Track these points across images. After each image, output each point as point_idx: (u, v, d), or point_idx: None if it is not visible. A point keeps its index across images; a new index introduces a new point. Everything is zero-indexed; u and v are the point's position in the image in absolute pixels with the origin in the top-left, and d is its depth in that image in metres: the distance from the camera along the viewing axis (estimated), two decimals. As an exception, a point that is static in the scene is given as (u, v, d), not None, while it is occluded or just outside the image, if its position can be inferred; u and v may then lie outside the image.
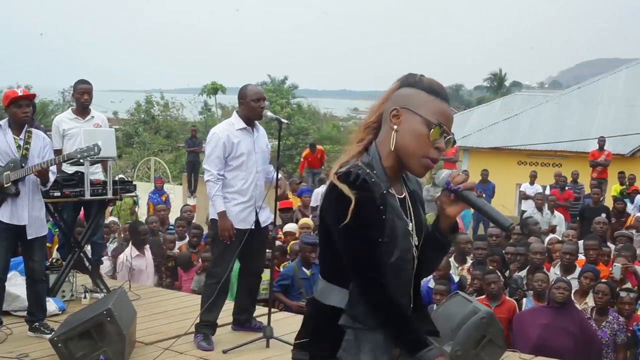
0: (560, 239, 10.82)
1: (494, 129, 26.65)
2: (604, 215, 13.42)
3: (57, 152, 7.51)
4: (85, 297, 7.87)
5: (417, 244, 2.69)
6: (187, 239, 10.96)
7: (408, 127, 2.59)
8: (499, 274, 8.40)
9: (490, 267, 8.60)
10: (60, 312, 7.32)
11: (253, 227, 6.41)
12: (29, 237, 6.44)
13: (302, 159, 20.87)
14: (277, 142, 7.08)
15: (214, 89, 40.56)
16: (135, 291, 8.13)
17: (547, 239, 10.49)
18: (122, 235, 11.15)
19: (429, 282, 8.16)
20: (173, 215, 14.30)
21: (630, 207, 14.90)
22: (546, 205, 14.32)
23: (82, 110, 8.23)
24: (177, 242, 10.92)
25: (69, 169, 7.91)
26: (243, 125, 6.41)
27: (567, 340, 7.01)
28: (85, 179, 7.46)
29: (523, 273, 8.98)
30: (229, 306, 6.84)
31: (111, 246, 10.58)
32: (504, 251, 9.63)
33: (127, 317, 6.10)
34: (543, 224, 13.36)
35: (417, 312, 2.74)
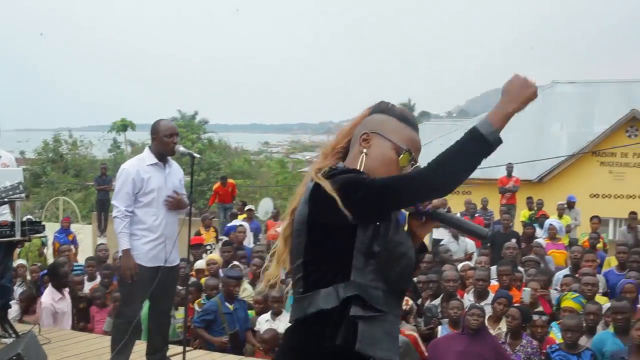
0: (472, 265, 10.96)
1: (405, 159, 26.92)
2: (513, 240, 13.66)
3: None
4: (-8, 343, 7.61)
5: None
6: (99, 279, 10.72)
7: (377, 152, 2.61)
8: (412, 302, 8.48)
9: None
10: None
11: (163, 265, 6.30)
12: None
13: (213, 193, 20.71)
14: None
15: (124, 126, 40.17)
16: (46, 334, 7.92)
17: (459, 266, 10.62)
18: (30, 277, 10.87)
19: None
20: (83, 255, 14.02)
21: (539, 232, 15.22)
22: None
23: (-12, 150, 8.01)
24: (87, 283, 10.67)
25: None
26: (154, 160, 6.33)
27: (483, 366, 7.07)
28: None
29: (437, 301, 9.05)
30: (141, 346, 6.70)
31: (19, 289, 10.28)
32: (415, 279, 9.68)
33: (37, 362, 5.92)
34: (459, 252, 13.51)
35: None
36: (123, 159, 31.07)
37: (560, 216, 16.54)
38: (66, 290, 9.65)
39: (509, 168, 19.34)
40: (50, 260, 13.70)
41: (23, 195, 6.77)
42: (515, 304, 8.25)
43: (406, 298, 8.25)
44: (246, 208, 17.91)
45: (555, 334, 8.01)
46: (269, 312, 8.52)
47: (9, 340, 7.52)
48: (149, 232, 6.26)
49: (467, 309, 7.63)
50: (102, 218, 22.02)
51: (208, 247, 14.29)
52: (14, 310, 9.36)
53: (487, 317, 7.83)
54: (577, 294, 8.67)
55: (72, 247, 14.98)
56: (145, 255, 6.23)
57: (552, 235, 14.04)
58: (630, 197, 23.32)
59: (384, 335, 2.51)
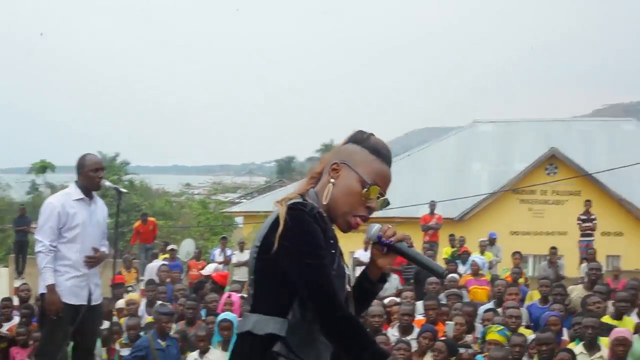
0: (398, 300, 10.99)
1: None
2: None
3: None
4: None
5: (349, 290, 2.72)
6: (16, 319, 10.42)
7: (343, 183, 2.65)
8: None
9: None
10: None
11: (86, 302, 6.17)
12: None
13: (133, 232, 20.42)
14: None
15: (43, 168, 39.46)
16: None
17: (385, 300, 10.63)
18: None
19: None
20: None
21: (462, 268, 15.38)
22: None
23: None
24: (4, 324, 10.35)
25: None
26: (81, 195, 6.22)
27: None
28: None
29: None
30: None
31: None
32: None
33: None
34: (391, 288, 13.52)
35: None
36: (41, 202, 30.34)
37: (482, 252, 16.71)
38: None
39: (432, 206, 19.50)
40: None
41: None
42: (441, 338, 8.30)
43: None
44: (168, 248, 17.76)
45: (481, 367, 8.06)
46: (197, 351, 8.39)
47: None
48: (73, 268, 6.13)
49: (393, 344, 7.64)
50: (19, 260, 21.38)
51: (130, 288, 14.12)
52: None
53: (412, 351, 7.86)
54: (502, 327, 8.75)
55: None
56: (69, 292, 6.09)
57: (475, 271, 14.13)
58: (550, 234, 23.74)
59: None
